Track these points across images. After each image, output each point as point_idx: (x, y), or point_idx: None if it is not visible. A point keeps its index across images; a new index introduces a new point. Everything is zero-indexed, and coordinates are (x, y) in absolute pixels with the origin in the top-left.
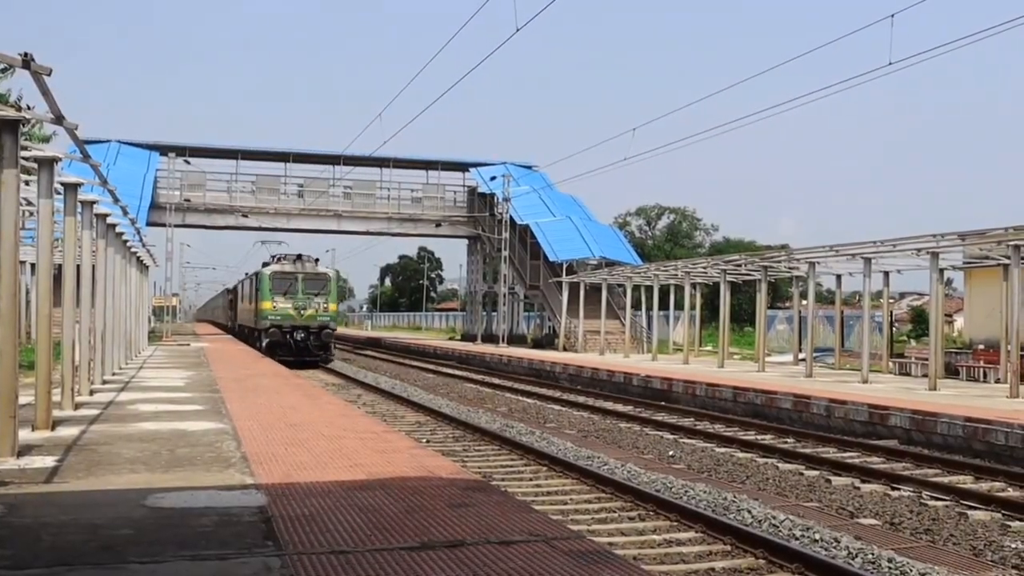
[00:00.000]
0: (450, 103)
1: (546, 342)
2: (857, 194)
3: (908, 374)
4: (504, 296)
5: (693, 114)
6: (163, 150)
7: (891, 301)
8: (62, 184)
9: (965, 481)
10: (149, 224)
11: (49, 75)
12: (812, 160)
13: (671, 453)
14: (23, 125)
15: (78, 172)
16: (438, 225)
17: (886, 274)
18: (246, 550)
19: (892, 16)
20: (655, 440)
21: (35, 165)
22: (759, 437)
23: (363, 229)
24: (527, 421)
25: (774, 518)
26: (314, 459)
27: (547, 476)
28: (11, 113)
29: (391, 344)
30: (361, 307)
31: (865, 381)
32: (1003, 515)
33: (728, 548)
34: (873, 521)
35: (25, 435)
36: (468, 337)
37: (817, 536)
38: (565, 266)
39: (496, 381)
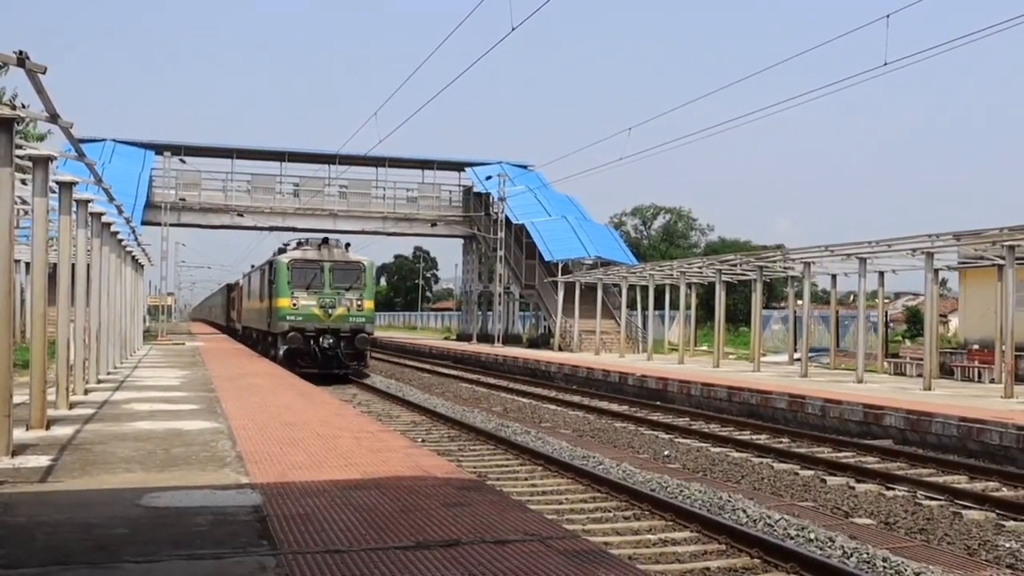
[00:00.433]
0: (446, 102)
1: (541, 342)
2: (853, 194)
3: (903, 374)
4: (500, 296)
5: (689, 114)
6: (158, 149)
7: (886, 301)
8: (57, 183)
9: (960, 481)
10: (144, 223)
11: (44, 73)
12: (808, 160)
13: (666, 453)
14: (18, 123)
15: (73, 171)
16: (434, 225)
17: (881, 274)
18: (241, 549)
19: (888, 16)
20: (650, 440)
21: (30, 164)
22: (754, 437)
23: (358, 228)
24: (522, 421)
25: (769, 518)
26: (309, 458)
27: (542, 476)
28: (6, 111)
29: (386, 343)
30: None
31: (860, 381)
32: (997, 515)
33: (723, 548)
34: (868, 521)
35: (20, 434)
36: (463, 337)
37: (812, 536)
38: (561, 266)
39: (491, 381)
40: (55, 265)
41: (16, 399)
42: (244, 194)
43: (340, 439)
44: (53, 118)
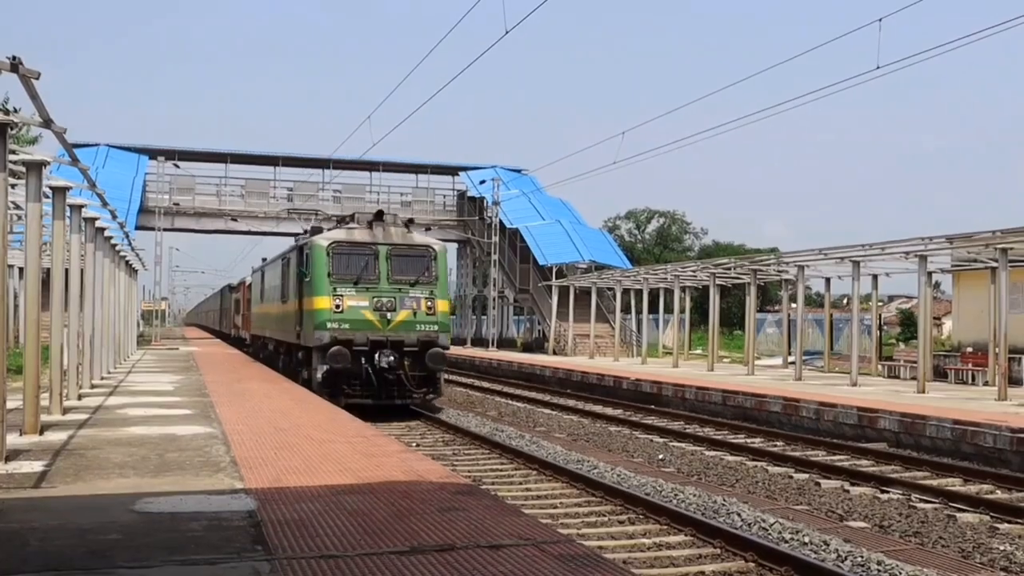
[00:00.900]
0: (439, 106)
1: (536, 346)
2: (846, 198)
3: (897, 377)
4: (494, 300)
5: (682, 118)
6: (152, 154)
7: (880, 304)
8: (50, 188)
9: (954, 483)
10: (138, 228)
11: (37, 79)
12: (801, 163)
13: (661, 456)
14: (11, 129)
15: (67, 176)
16: (427, 229)
17: (875, 277)
18: (235, 555)
19: (880, 20)
20: (645, 443)
21: (23, 169)
22: (749, 440)
23: None
24: (517, 425)
25: (764, 521)
26: (303, 463)
27: (537, 480)
28: None
29: None
30: None
31: (854, 384)
32: (992, 517)
33: (718, 551)
34: (862, 524)
35: (13, 440)
36: (457, 341)
37: (807, 539)
38: (555, 270)
39: (485, 385)
40: (49, 270)
41: (10, 404)
42: (238, 198)
43: (334, 444)
44: (47, 123)
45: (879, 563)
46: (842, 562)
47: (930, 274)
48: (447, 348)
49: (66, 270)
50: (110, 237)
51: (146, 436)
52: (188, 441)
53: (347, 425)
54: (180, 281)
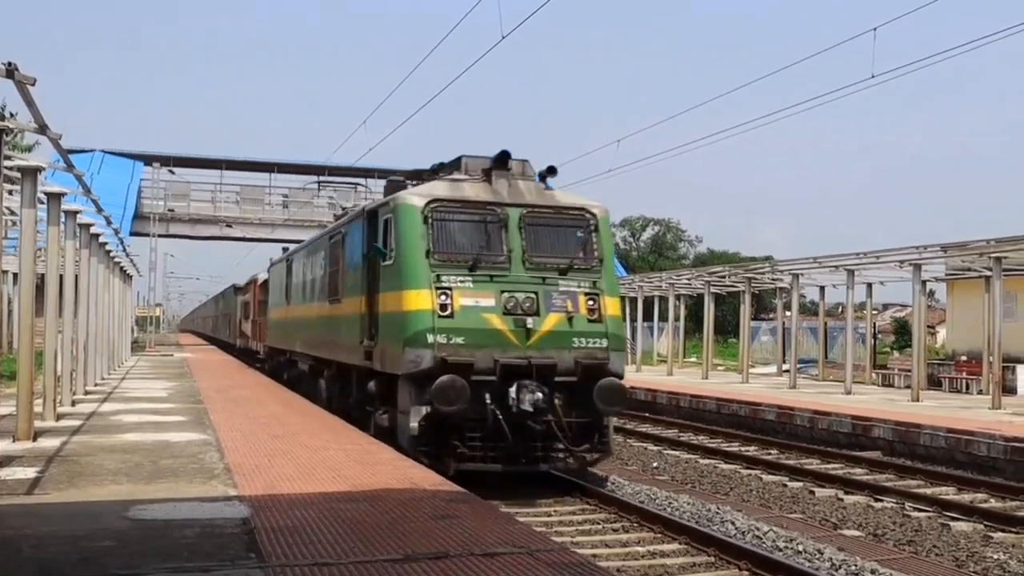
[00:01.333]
0: (437, 110)
1: None
2: (841, 206)
3: (891, 385)
4: None
5: (677, 126)
6: (147, 160)
7: (874, 312)
8: (45, 194)
9: (948, 492)
10: (133, 234)
11: (33, 85)
12: (797, 172)
13: (655, 464)
14: (6, 135)
15: (61, 182)
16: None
17: (869, 286)
18: (229, 562)
19: (875, 30)
20: (639, 451)
21: (18, 175)
22: (743, 449)
23: None
24: None
25: (758, 529)
26: (297, 470)
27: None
28: None
29: None
30: None
31: (848, 392)
32: (985, 526)
33: (712, 560)
34: (856, 532)
35: (6, 446)
36: None
37: (800, 547)
38: None
39: None
40: (43, 276)
41: (3, 410)
42: (233, 205)
43: (328, 451)
44: (42, 129)
45: (873, 571)
46: (836, 571)
47: (924, 283)
48: (622, 376)
49: (60, 276)
50: (105, 243)
51: (140, 443)
52: (182, 448)
53: (342, 432)
54: (175, 287)
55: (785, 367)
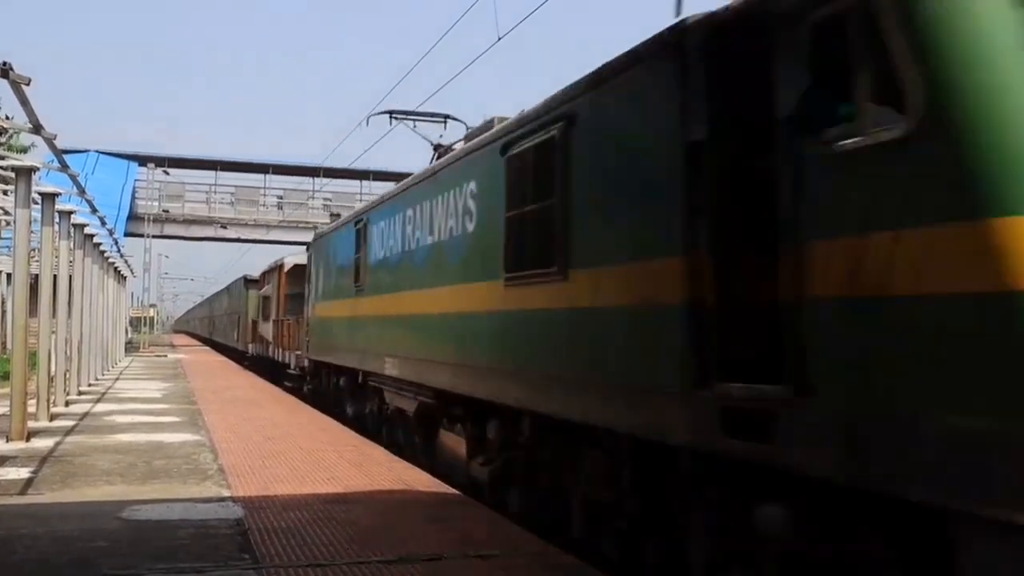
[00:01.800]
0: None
1: None
2: None
3: None
4: None
5: None
6: (142, 160)
7: None
8: (40, 194)
9: None
10: (127, 235)
11: (28, 85)
12: None
13: None
14: (1, 135)
15: (56, 182)
16: None
17: None
18: (222, 563)
19: None
20: None
21: (12, 175)
22: None
23: None
24: None
25: None
26: (292, 472)
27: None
28: None
29: None
30: None
31: None
32: None
33: None
34: None
35: (0, 446)
36: None
37: None
38: None
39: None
40: (37, 276)
41: None
42: (228, 206)
43: (323, 452)
44: (37, 129)
45: None
46: None
47: None
48: None
49: (54, 276)
50: (99, 243)
51: (133, 443)
52: (176, 449)
53: (337, 434)
54: (169, 288)
55: None
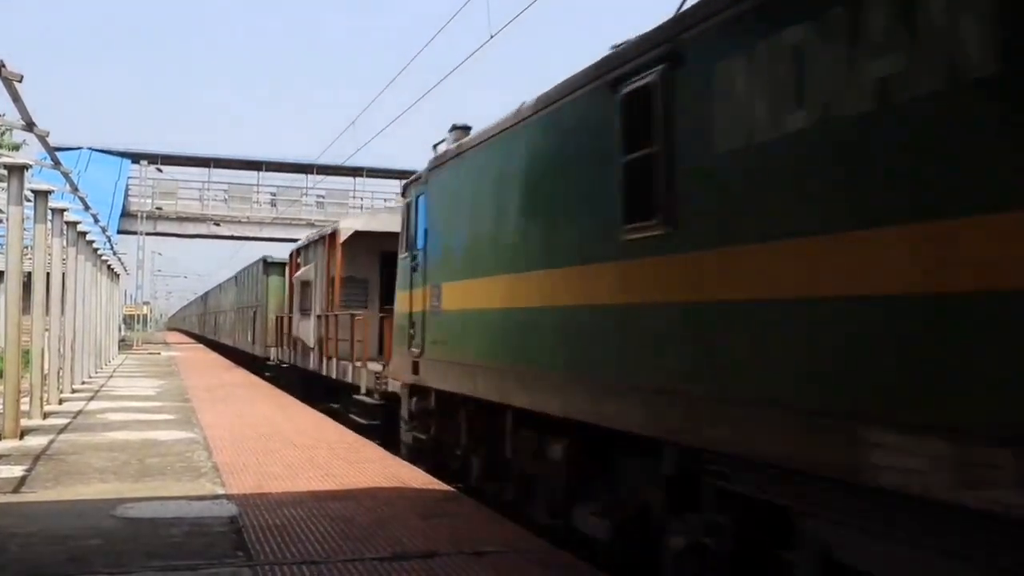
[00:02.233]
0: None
1: None
2: None
3: None
4: None
5: None
6: (135, 158)
7: None
8: (32, 191)
9: None
10: (120, 232)
11: (20, 81)
12: None
13: None
14: None
15: (49, 179)
16: None
17: None
18: (216, 560)
19: None
20: None
21: (5, 172)
22: None
23: None
24: None
25: None
26: (285, 469)
27: None
28: None
29: None
30: None
31: None
32: None
33: None
34: None
35: None
36: None
37: None
38: None
39: None
40: (30, 274)
41: None
42: (221, 203)
43: (317, 449)
44: (29, 126)
45: None
46: None
47: None
48: None
49: (47, 274)
50: (92, 241)
51: (127, 441)
52: (169, 446)
53: (330, 431)
54: (162, 286)
55: None
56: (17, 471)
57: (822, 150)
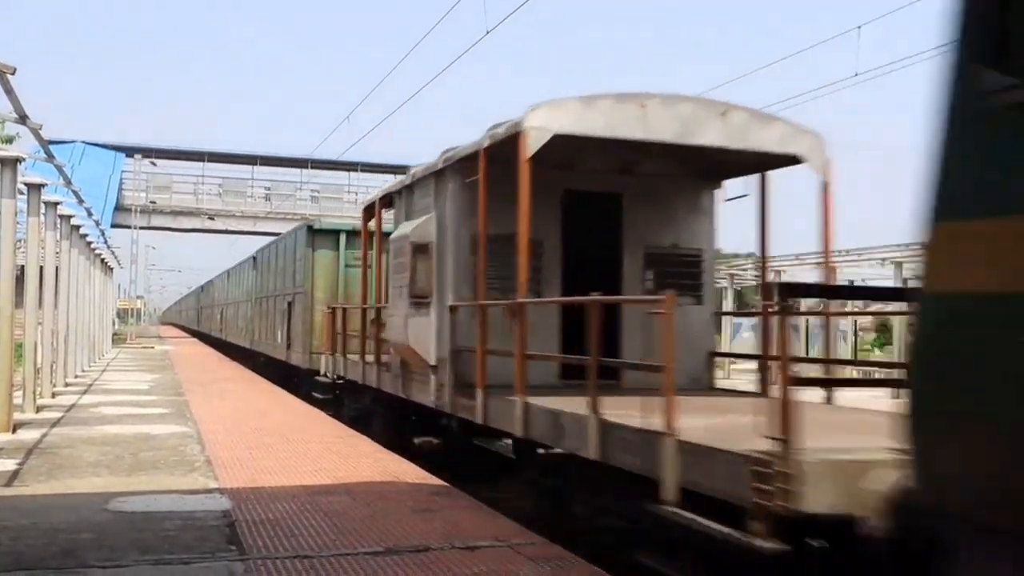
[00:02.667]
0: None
1: None
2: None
3: None
4: None
5: None
6: (129, 152)
7: (856, 310)
8: (25, 184)
9: None
10: (114, 226)
11: (13, 74)
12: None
13: None
14: None
15: (42, 173)
16: None
17: (851, 283)
18: (209, 554)
19: (859, 28)
20: None
21: None
22: None
23: None
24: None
25: None
26: (279, 463)
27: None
28: None
29: None
30: None
31: None
32: None
33: None
34: None
35: None
36: None
37: None
38: None
39: None
40: (23, 267)
41: None
42: (215, 197)
43: (310, 444)
44: (22, 119)
45: None
46: None
47: (906, 280)
48: None
49: (41, 267)
50: (85, 235)
51: (120, 435)
52: (163, 440)
53: (323, 426)
54: (156, 280)
55: None
56: (10, 465)
57: None
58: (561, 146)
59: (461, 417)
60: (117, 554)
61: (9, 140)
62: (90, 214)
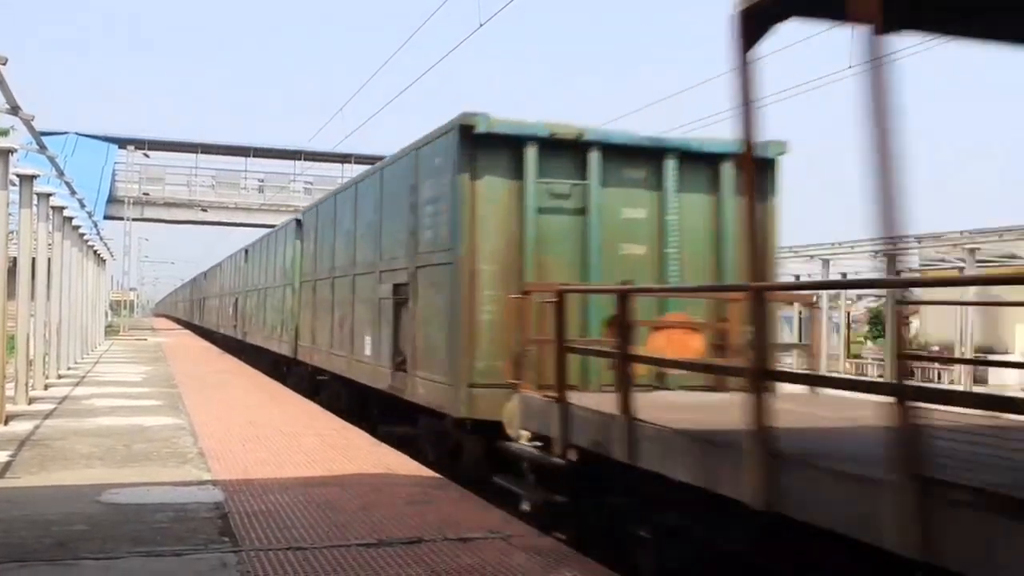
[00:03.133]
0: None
1: None
2: (816, 196)
3: (864, 374)
4: None
5: (652, 119)
6: (122, 143)
7: (849, 302)
8: (17, 176)
9: None
10: (107, 218)
11: (4, 64)
12: None
13: None
14: None
15: (34, 164)
16: None
17: (844, 275)
18: (202, 546)
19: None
20: None
21: None
22: None
23: None
24: None
25: None
26: (272, 455)
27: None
28: None
29: None
30: None
31: None
32: None
33: None
34: None
35: None
36: None
37: None
38: None
39: None
40: (15, 259)
41: None
42: (208, 189)
43: (304, 436)
44: (14, 110)
45: None
46: None
47: (899, 273)
48: None
49: (33, 259)
50: (78, 226)
51: (113, 427)
52: (155, 432)
53: (317, 418)
54: (149, 272)
55: None
56: (2, 456)
57: None
58: None
59: None
60: (110, 546)
61: (4, 133)
62: (83, 205)
